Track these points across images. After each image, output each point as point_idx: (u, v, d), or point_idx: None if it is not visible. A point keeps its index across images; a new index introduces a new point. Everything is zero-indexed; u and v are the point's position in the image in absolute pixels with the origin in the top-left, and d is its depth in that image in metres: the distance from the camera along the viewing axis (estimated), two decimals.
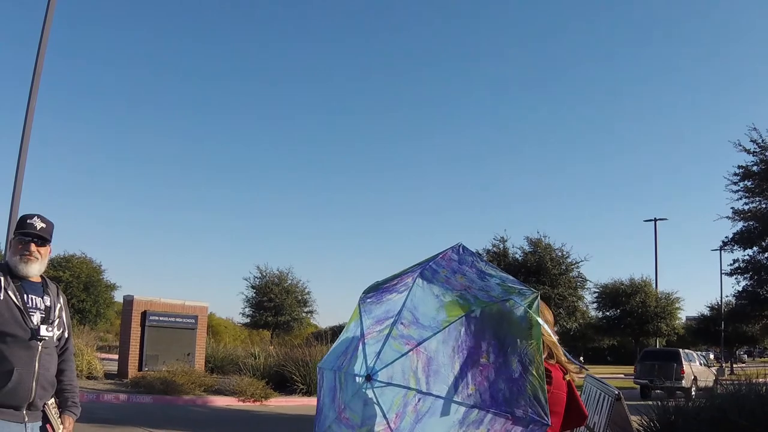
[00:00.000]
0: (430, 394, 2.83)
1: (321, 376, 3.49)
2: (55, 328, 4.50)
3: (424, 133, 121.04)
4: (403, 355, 2.92)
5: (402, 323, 2.97)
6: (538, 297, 2.87)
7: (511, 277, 3.01)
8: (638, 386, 29.00)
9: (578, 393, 3.45)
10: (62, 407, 4.52)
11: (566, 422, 3.34)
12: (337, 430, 3.14)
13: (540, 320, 2.78)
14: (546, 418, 2.63)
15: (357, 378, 3.03)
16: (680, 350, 31.86)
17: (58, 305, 4.60)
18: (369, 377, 2.95)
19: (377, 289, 3.28)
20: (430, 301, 2.96)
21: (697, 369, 29.59)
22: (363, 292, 3.33)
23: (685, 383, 25.68)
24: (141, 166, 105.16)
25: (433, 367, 2.85)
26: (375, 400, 2.95)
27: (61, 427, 4.42)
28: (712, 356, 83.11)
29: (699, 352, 44.38)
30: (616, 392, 4.58)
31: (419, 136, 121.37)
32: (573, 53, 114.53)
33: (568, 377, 3.40)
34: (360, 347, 3.07)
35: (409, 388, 2.89)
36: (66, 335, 4.67)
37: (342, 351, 3.31)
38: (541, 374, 2.70)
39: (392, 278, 3.24)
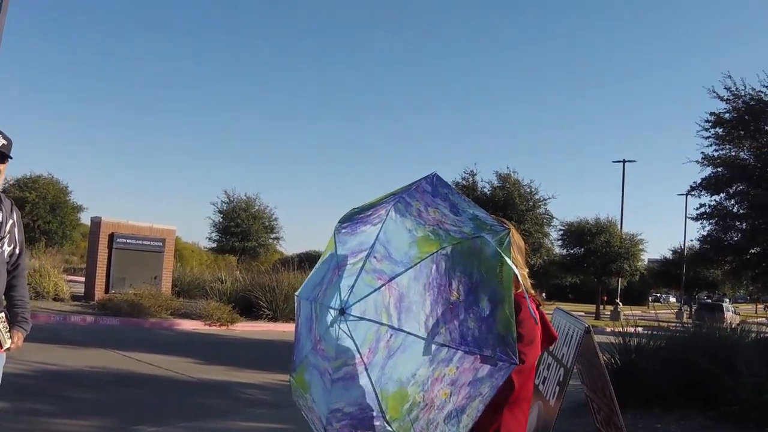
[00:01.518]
0: (402, 331, 2.85)
1: (298, 304, 3.48)
2: (6, 245, 4.48)
3: (401, 59, 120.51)
4: (375, 290, 2.91)
5: (375, 257, 2.97)
6: (510, 234, 2.86)
7: (484, 212, 2.96)
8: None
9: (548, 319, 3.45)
10: (12, 322, 4.49)
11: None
12: (313, 360, 3.18)
13: (509, 261, 2.76)
14: (514, 358, 2.66)
15: (331, 311, 3.03)
16: (722, 303, 47.92)
17: (10, 221, 4.56)
18: (342, 311, 2.95)
19: (352, 219, 3.26)
20: (402, 235, 2.96)
21: (730, 315, 44.61)
22: (338, 221, 3.31)
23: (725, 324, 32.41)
24: (110, 88, 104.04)
25: (405, 304, 2.86)
26: (348, 333, 2.95)
27: (9, 341, 4.40)
28: (672, 299, 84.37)
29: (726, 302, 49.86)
30: (586, 325, 4.64)
31: (396, 62, 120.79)
32: None
33: (541, 308, 3.42)
34: (334, 279, 3.08)
35: (382, 324, 2.90)
36: (17, 251, 4.62)
37: (318, 281, 3.29)
38: (510, 313, 2.70)
39: (368, 207, 3.21)
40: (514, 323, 2.72)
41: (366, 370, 2.94)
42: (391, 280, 2.92)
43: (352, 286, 3.00)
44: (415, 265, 2.89)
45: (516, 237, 3.29)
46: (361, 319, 2.96)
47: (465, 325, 2.79)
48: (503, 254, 2.77)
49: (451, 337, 2.80)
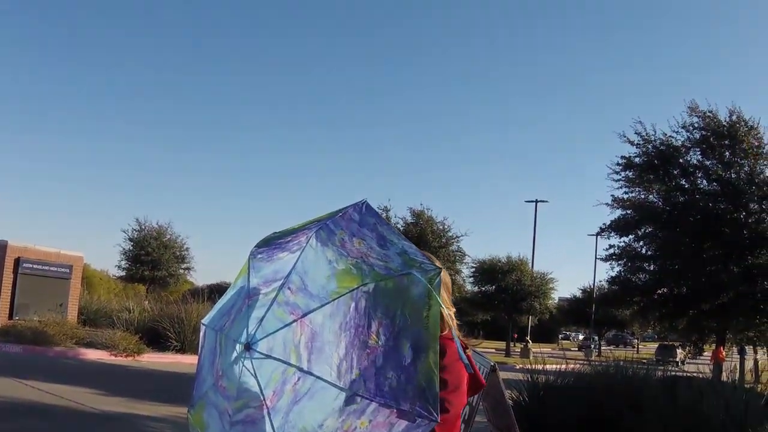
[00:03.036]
0: (311, 374, 2.57)
1: (203, 334, 3.19)
2: None
3: (306, 88, 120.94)
4: (286, 326, 2.65)
5: (289, 288, 2.71)
6: (441, 274, 2.61)
7: (414, 247, 2.72)
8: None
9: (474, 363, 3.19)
10: None
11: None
12: (213, 397, 2.90)
13: (441, 303, 2.55)
14: (435, 415, 2.40)
15: (236, 344, 2.74)
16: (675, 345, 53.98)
17: None
18: (248, 346, 2.65)
19: (269, 244, 3.01)
20: (321, 266, 2.71)
21: (680, 353, 52.95)
22: (255, 245, 3.06)
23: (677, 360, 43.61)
24: (21, 104, 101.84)
25: (317, 344, 2.60)
26: (252, 372, 2.66)
27: None
28: (581, 337, 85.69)
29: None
30: (492, 363, 4.60)
31: (309, 93, 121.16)
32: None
33: (469, 351, 3.20)
34: (244, 309, 2.81)
35: (290, 364, 2.62)
36: None
37: (227, 310, 3.02)
38: (434, 363, 2.46)
39: (288, 232, 2.97)
40: (437, 375, 2.47)
41: (269, 414, 2.64)
42: (304, 315, 2.66)
43: (261, 319, 2.71)
44: (333, 300, 2.64)
45: (444, 276, 2.99)
46: (268, 357, 2.66)
47: (382, 374, 2.53)
48: (433, 295, 2.55)
49: (366, 386, 2.53)
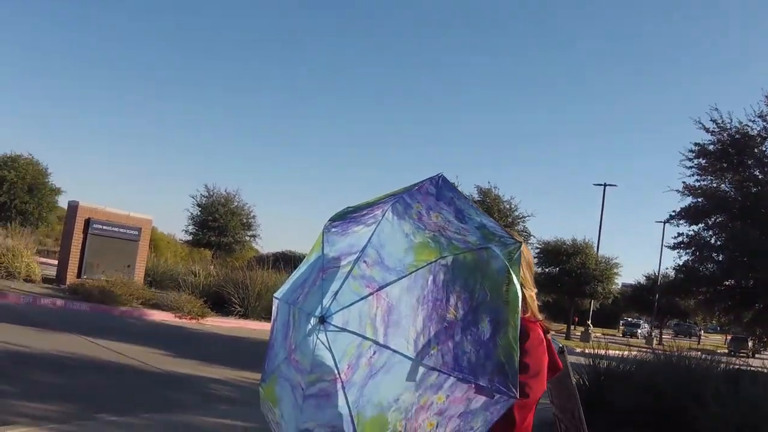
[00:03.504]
0: (387, 348, 2.50)
1: (276, 307, 3.10)
2: None
3: (399, 63, 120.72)
4: (362, 299, 2.58)
5: (365, 261, 2.64)
6: (521, 248, 2.53)
7: (492, 221, 2.65)
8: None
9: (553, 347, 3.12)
10: None
11: None
12: (285, 371, 2.83)
13: (516, 280, 2.44)
14: (514, 391, 2.32)
15: (311, 318, 2.67)
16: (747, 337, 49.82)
17: None
18: (322, 319, 2.60)
19: (344, 218, 2.93)
20: (398, 239, 2.63)
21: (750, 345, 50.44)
22: (329, 219, 2.98)
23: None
24: (96, 71, 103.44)
25: (394, 317, 2.52)
26: (327, 345, 2.60)
27: None
28: (646, 326, 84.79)
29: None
30: (560, 345, 4.55)
31: (392, 66, 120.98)
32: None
33: (549, 335, 3.09)
34: (318, 282, 2.75)
35: (365, 338, 2.55)
36: None
37: (300, 283, 2.94)
38: (514, 339, 2.37)
39: (363, 206, 2.88)
40: (516, 351, 2.40)
41: (343, 388, 2.59)
42: (380, 289, 2.60)
43: (336, 292, 2.67)
44: (410, 274, 2.58)
45: (526, 253, 2.98)
46: (343, 330, 2.61)
47: (460, 348, 2.46)
48: (513, 269, 2.47)
49: (444, 360, 2.46)
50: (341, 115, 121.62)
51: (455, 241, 2.61)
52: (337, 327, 2.62)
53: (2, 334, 12.60)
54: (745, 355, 44.15)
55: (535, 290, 3.11)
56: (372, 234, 2.72)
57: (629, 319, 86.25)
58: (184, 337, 18.45)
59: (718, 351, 27.67)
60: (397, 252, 2.66)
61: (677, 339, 61.74)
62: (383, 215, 2.74)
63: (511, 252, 2.52)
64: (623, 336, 58.86)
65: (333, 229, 2.97)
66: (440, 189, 2.75)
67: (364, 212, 2.89)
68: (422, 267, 2.58)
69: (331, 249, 2.88)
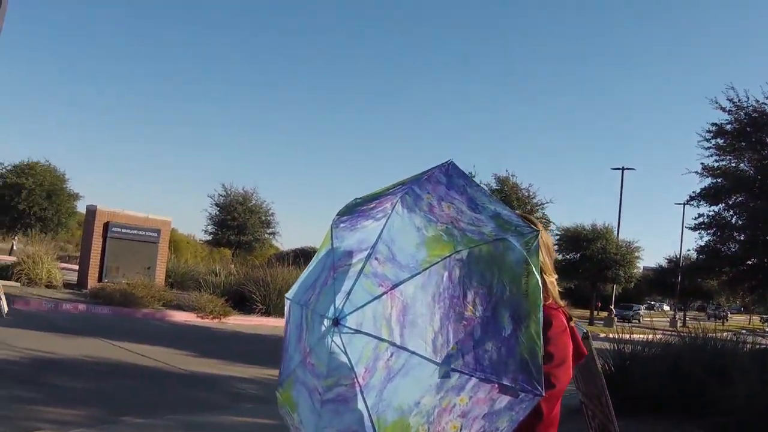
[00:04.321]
0: (405, 349, 2.40)
1: (288, 308, 3.01)
2: None
3: (406, 56, 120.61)
4: (375, 299, 2.46)
5: (377, 258, 2.51)
6: (539, 237, 2.42)
7: (507, 209, 2.53)
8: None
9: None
10: None
11: None
12: (302, 375, 2.75)
13: (536, 272, 2.34)
14: (539, 388, 2.25)
15: (324, 320, 2.57)
16: None
17: None
18: (336, 321, 2.48)
19: (352, 212, 2.81)
20: (410, 234, 2.51)
21: None
22: (337, 213, 2.86)
23: None
24: (109, 73, 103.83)
25: (410, 317, 2.42)
26: (342, 348, 2.49)
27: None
28: (666, 307, 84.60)
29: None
30: (585, 330, 4.49)
31: (401, 59, 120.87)
32: None
33: (572, 323, 2.98)
34: (330, 282, 2.63)
35: (381, 339, 2.44)
36: None
37: (311, 283, 2.83)
38: (537, 333, 2.29)
39: (371, 198, 2.77)
40: (540, 345, 2.31)
41: (361, 392, 2.47)
42: (394, 287, 2.47)
43: (349, 292, 2.54)
44: (424, 270, 2.46)
45: (545, 237, 2.89)
46: (358, 332, 2.49)
47: (481, 347, 2.37)
48: (532, 260, 2.37)
49: (464, 360, 2.37)
50: (358, 109, 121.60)
51: (469, 233, 2.50)
52: (351, 329, 2.50)
53: (26, 341, 12.65)
54: None
55: (556, 276, 3.02)
56: (382, 229, 2.61)
57: (656, 304, 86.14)
58: (206, 337, 18.50)
59: (743, 331, 27.60)
60: (408, 247, 2.54)
61: (704, 321, 61.56)
62: (393, 208, 2.62)
63: (529, 241, 2.42)
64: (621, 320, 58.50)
65: (342, 225, 2.87)
66: (451, 177, 2.64)
67: (373, 205, 2.79)
68: (436, 263, 2.47)
69: (341, 245, 2.78)
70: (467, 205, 2.58)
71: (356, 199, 2.91)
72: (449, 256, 2.47)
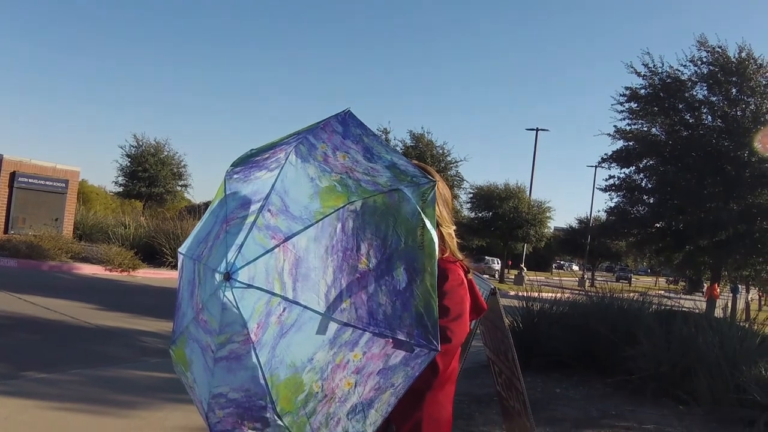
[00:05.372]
0: (297, 304, 2.32)
1: (181, 263, 2.91)
2: None
3: (320, 12, 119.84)
4: (267, 252, 2.38)
5: (269, 210, 2.45)
6: (435, 188, 2.36)
7: (404, 159, 2.46)
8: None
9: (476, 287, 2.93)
10: None
11: None
12: (194, 332, 2.66)
13: (429, 225, 2.29)
14: (435, 343, 2.20)
15: (215, 274, 2.45)
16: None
17: None
18: (228, 276, 2.37)
19: (246, 163, 2.73)
20: (303, 184, 2.45)
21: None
22: (231, 164, 2.78)
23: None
24: (21, 24, 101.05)
25: (302, 270, 2.35)
26: (234, 304, 2.38)
27: None
28: (575, 267, 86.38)
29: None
30: (492, 286, 4.47)
31: (317, 16, 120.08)
32: None
33: (470, 276, 2.88)
34: (222, 235, 2.54)
35: (274, 294, 2.35)
36: None
37: (204, 236, 2.74)
38: (432, 287, 2.23)
39: (266, 148, 2.69)
40: (435, 300, 2.25)
41: (254, 349, 2.40)
42: (286, 240, 2.39)
43: (241, 246, 2.44)
44: (317, 222, 2.38)
45: (442, 188, 2.82)
46: (250, 286, 2.38)
47: (375, 300, 2.31)
48: (427, 211, 2.32)
49: (358, 314, 2.31)
50: (270, 58, 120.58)
51: (364, 183, 2.43)
52: (243, 284, 2.39)
53: None
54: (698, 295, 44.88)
55: (454, 227, 2.94)
56: (275, 180, 2.52)
57: (565, 264, 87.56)
58: (114, 290, 18.23)
59: (649, 292, 28.34)
60: (302, 198, 2.46)
61: (611, 282, 63.01)
62: (286, 158, 2.54)
63: (425, 192, 2.36)
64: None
65: (235, 176, 2.76)
66: (347, 126, 2.55)
67: (267, 155, 2.68)
68: (330, 214, 2.40)
69: (234, 197, 2.67)
70: (363, 155, 2.50)
71: (251, 149, 2.80)
72: (343, 207, 2.40)
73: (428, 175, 2.44)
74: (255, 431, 2.49)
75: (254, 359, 2.40)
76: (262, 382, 2.39)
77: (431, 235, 2.31)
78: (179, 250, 2.95)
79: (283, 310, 2.37)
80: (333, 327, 2.33)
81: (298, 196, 2.47)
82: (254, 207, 2.53)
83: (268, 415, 2.42)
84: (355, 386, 2.33)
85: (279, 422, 2.40)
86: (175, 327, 2.85)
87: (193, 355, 2.71)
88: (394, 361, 2.30)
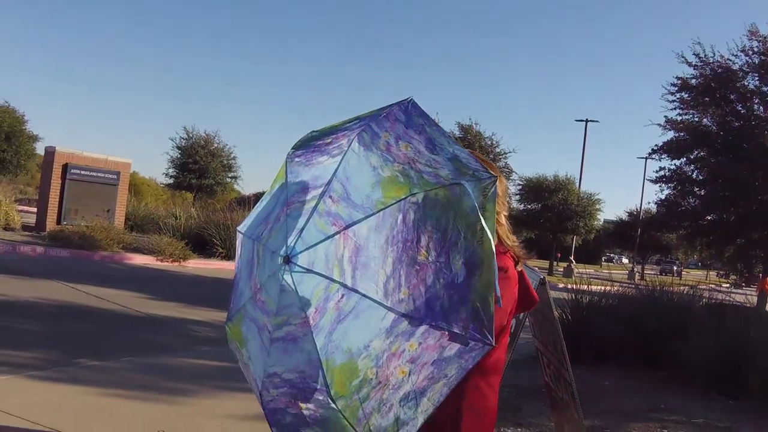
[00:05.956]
0: (356, 291, 2.35)
1: (240, 242, 2.97)
2: None
3: (378, 7, 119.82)
4: (328, 238, 2.41)
5: (331, 196, 2.46)
6: (496, 183, 2.36)
7: (466, 152, 2.46)
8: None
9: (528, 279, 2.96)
10: None
11: (516, 307, 2.87)
12: (251, 311, 2.70)
13: (485, 225, 2.29)
14: (490, 338, 2.20)
15: (275, 256, 2.49)
16: None
17: None
18: (287, 259, 2.41)
19: (307, 146, 2.73)
20: (365, 173, 2.44)
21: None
22: (292, 147, 2.77)
23: None
24: (71, 18, 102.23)
25: (362, 259, 2.37)
26: (293, 287, 2.42)
27: None
28: (625, 260, 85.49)
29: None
30: (541, 276, 4.47)
31: (371, 10, 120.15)
32: None
33: (519, 267, 2.90)
34: (282, 218, 2.57)
35: (333, 280, 2.39)
36: None
37: (264, 217, 2.77)
38: (490, 282, 2.23)
39: (327, 132, 2.68)
40: (492, 295, 2.26)
41: (311, 333, 2.43)
42: (347, 227, 2.41)
43: (301, 230, 2.47)
44: (378, 212, 2.39)
45: (502, 184, 2.86)
46: (309, 271, 2.42)
47: (433, 293, 2.31)
48: (488, 206, 2.32)
49: (415, 305, 2.32)
50: (321, 53, 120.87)
51: (426, 175, 2.43)
52: (303, 268, 2.44)
53: None
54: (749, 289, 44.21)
55: (506, 213, 2.98)
56: (338, 166, 2.53)
57: (615, 257, 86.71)
58: (165, 280, 18.42)
59: (699, 286, 27.98)
60: (364, 187, 2.47)
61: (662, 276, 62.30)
62: (349, 145, 2.54)
63: (486, 187, 2.35)
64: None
65: (296, 159, 2.75)
66: (410, 115, 2.53)
67: (329, 140, 2.69)
68: (391, 204, 2.41)
69: (295, 181, 2.68)
70: (425, 146, 2.49)
71: (312, 132, 2.80)
72: (404, 198, 2.41)
73: (489, 170, 2.42)
74: (308, 412, 2.52)
75: (310, 343, 2.44)
76: (317, 365, 2.43)
77: (492, 230, 2.31)
78: (238, 228, 2.99)
79: (342, 297, 2.40)
80: (390, 317, 2.35)
81: (359, 184, 2.48)
82: (315, 192, 2.55)
83: (321, 397, 2.46)
84: (409, 375, 2.34)
85: (332, 405, 2.43)
86: (232, 304, 2.92)
87: (249, 333, 2.75)
88: (448, 353, 2.31)
